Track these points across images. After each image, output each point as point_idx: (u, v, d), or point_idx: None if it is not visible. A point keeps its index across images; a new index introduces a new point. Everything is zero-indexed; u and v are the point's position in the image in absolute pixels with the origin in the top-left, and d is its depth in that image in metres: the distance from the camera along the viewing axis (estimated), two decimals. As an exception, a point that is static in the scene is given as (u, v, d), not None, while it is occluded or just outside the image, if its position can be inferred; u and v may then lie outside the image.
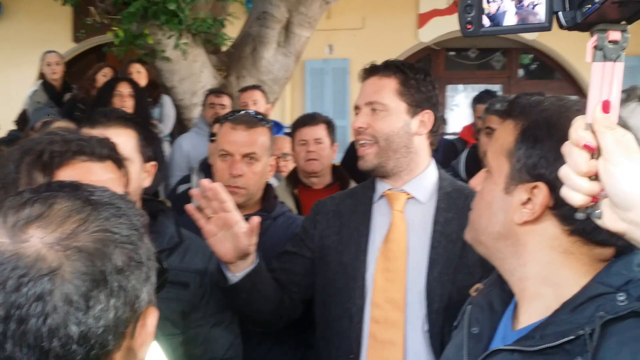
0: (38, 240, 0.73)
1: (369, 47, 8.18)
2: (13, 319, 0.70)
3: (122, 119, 1.88)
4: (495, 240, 1.07)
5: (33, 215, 0.75)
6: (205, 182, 1.66)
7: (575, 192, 0.81)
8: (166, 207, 2.02)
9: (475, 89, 7.95)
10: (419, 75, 1.79)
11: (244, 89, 4.62)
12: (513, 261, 1.06)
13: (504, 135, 1.08)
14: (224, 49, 5.69)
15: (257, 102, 4.38)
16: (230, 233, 1.66)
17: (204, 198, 1.65)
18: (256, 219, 1.68)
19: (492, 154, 1.10)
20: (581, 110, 0.98)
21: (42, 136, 1.31)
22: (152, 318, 0.82)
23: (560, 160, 0.93)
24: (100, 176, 1.32)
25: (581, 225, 0.95)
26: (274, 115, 6.15)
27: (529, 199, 1.01)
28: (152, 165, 1.93)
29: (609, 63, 0.79)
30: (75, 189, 0.81)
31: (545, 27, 0.81)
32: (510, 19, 0.83)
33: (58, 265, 0.71)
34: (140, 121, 3.90)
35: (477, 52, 8.81)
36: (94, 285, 0.72)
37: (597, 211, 0.81)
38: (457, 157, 3.90)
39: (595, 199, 0.80)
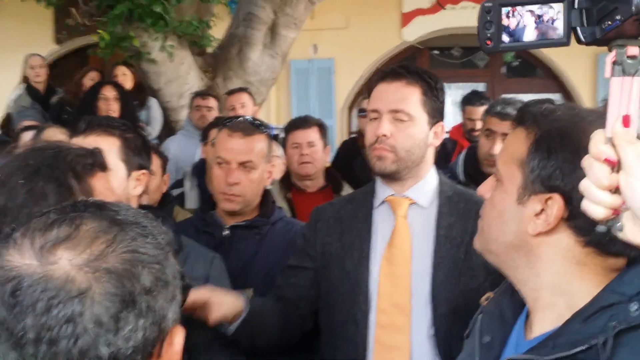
0: (67, 262, 0.73)
1: (354, 46, 8.20)
2: (44, 341, 0.70)
3: (104, 127, 1.83)
4: (507, 250, 1.06)
5: (61, 236, 0.75)
6: None
7: (596, 206, 0.81)
8: (165, 214, 2.00)
9: (460, 87, 8.02)
10: (438, 86, 1.78)
11: (231, 92, 4.59)
12: (526, 271, 1.05)
13: (515, 144, 1.07)
14: (210, 50, 5.66)
15: (245, 105, 4.36)
16: None
17: None
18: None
19: (503, 163, 1.09)
20: (595, 120, 0.99)
21: (51, 149, 1.29)
22: (179, 337, 0.82)
23: (576, 171, 0.94)
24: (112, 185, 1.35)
25: (597, 237, 0.95)
26: (260, 117, 6.13)
27: (542, 210, 1.01)
28: (142, 174, 1.88)
29: (627, 78, 0.79)
30: (100, 208, 0.81)
31: (563, 43, 0.82)
32: (529, 34, 0.83)
33: (87, 287, 0.72)
34: (128, 127, 3.86)
35: (461, 50, 8.86)
36: (123, 306, 0.73)
37: (618, 224, 0.81)
38: (447, 157, 3.93)
39: (617, 212, 0.81)
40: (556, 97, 8.72)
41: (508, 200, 1.05)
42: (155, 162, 2.55)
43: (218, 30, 5.68)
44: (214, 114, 4.54)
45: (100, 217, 0.79)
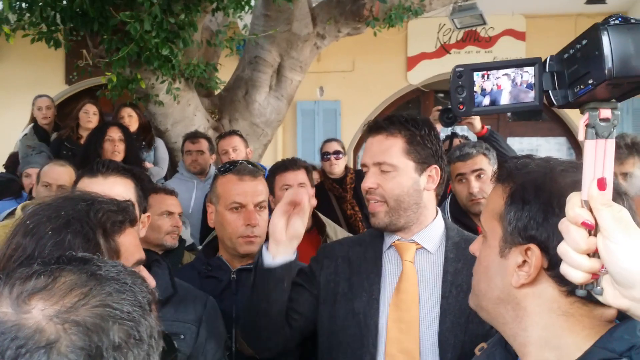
0: (39, 312, 0.74)
1: (360, 88, 8.31)
2: None
3: (122, 170, 1.90)
4: (496, 305, 1.07)
5: (37, 287, 0.76)
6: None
7: (575, 270, 0.81)
8: (160, 257, 2.01)
9: (464, 130, 8.05)
10: (424, 131, 1.80)
11: (222, 136, 4.58)
12: (514, 326, 1.05)
13: (494, 200, 1.09)
14: (216, 92, 5.73)
15: (237, 149, 4.35)
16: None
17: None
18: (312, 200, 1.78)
19: (485, 219, 1.11)
20: (565, 169, 1.01)
21: (84, 201, 1.29)
22: None
23: (549, 219, 0.96)
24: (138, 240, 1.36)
25: (578, 286, 0.95)
26: (266, 157, 6.18)
27: (524, 262, 1.01)
28: (147, 217, 1.94)
29: (601, 140, 0.80)
30: (84, 262, 0.82)
31: (535, 106, 0.83)
32: (503, 98, 0.85)
33: (56, 339, 0.72)
34: (137, 170, 3.92)
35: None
36: None
37: (598, 287, 0.81)
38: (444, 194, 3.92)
39: (596, 276, 0.80)
40: (561, 140, 8.74)
41: (492, 255, 1.07)
42: (174, 202, 2.60)
43: (227, 72, 5.77)
44: (205, 158, 4.56)
45: (81, 270, 0.79)
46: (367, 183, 1.79)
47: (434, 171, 1.81)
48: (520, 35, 8.36)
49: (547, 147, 8.69)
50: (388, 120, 1.83)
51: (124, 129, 4.52)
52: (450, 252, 1.78)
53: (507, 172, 1.08)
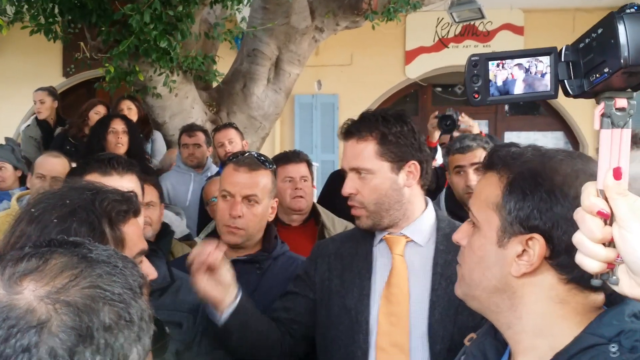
0: (30, 293, 0.74)
1: (358, 82, 8.30)
2: None
3: (130, 166, 1.89)
4: (491, 295, 1.07)
5: (29, 268, 0.77)
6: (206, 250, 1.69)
7: (590, 259, 0.81)
8: (157, 246, 2.01)
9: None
10: (396, 128, 1.78)
11: (218, 129, 4.58)
12: (509, 314, 1.05)
13: (487, 189, 1.08)
14: (214, 85, 5.72)
15: (232, 141, 4.34)
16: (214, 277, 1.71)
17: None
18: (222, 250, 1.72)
19: (477, 208, 1.10)
20: (564, 159, 1.02)
21: (89, 190, 1.28)
22: None
23: (552, 209, 0.96)
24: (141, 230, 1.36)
25: (579, 273, 0.94)
26: (264, 150, 6.17)
27: (523, 251, 1.01)
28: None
29: (616, 130, 0.80)
30: (75, 246, 0.83)
31: (551, 96, 0.83)
32: (518, 87, 0.84)
33: (47, 319, 0.72)
34: (138, 157, 3.87)
35: (464, 88, 8.94)
36: (79, 341, 0.73)
37: (613, 277, 0.80)
38: (439, 186, 3.92)
39: (611, 265, 0.80)
40: (558, 135, 8.76)
41: (488, 245, 1.06)
42: (154, 194, 2.57)
43: (225, 64, 5.75)
44: (202, 151, 4.56)
45: (72, 253, 0.80)
46: (346, 189, 1.80)
47: (413, 166, 1.79)
48: (518, 30, 8.36)
49: (544, 142, 8.71)
50: (359, 122, 1.82)
51: (128, 121, 4.51)
52: (440, 244, 1.78)
53: (501, 160, 1.08)
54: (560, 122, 8.62)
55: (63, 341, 0.72)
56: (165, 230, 2.80)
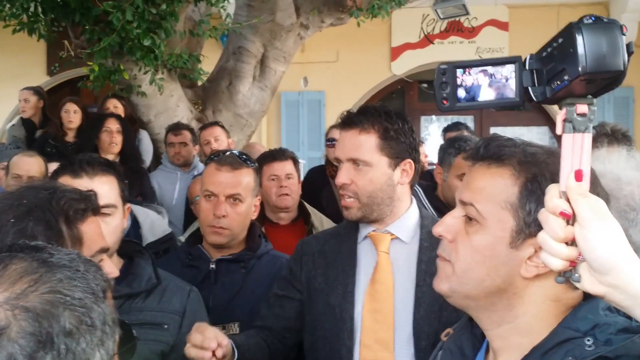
0: None
1: (344, 79, 8.31)
2: None
3: (105, 167, 1.87)
4: (490, 294, 1.04)
5: None
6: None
7: (554, 258, 0.84)
8: (142, 248, 2.02)
9: (448, 120, 8.09)
10: (397, 125, 1.79)
11: (204, 127, 4.58)
12: (504, 313, 1.04)
13: (496, 185, 1.03)
14: (199, 83, 5.71)
15: (218, 139, 4.34)
16: None
17: None
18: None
19: (488, 207, 1.03)
20: None
21: (46, 189, 1.28)
22: None
23: None
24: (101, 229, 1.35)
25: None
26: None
27: (535, 252, 0.99)
28: (127, 208, 1.94)
29: (578, 134, 0.83)
30: (36, 250, 0.82)
31: (516, 102, 0.86)
32: (484, 93, 0.87)
33: (6, 325, 0.72)
34: (131, 157, 3.84)
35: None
36: (39, 347, 0.73)
37: (576, 275, 0.85)
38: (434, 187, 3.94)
39: (573, 264, 0.84)
40: (543, 130, 8.83)
41: (498, 245, 1.02)
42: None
43: (210, 62, 5.75)
44: (189, 149, 4.55)
45: (32, 258, 0.80)
46: (341, 179, 1.79)
47: (408, 165, 1.81)
48: (503, 26, 8.40)
49: (529, 137, 8.74)
50: (362, 114, 1.82)
51: (122, 120, 4.51)
52: (425, 241, 1.79)
53: (514, 157, 1.03)
54: (545, 118, 8.69)
55: (22, 347, 0.72)
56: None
